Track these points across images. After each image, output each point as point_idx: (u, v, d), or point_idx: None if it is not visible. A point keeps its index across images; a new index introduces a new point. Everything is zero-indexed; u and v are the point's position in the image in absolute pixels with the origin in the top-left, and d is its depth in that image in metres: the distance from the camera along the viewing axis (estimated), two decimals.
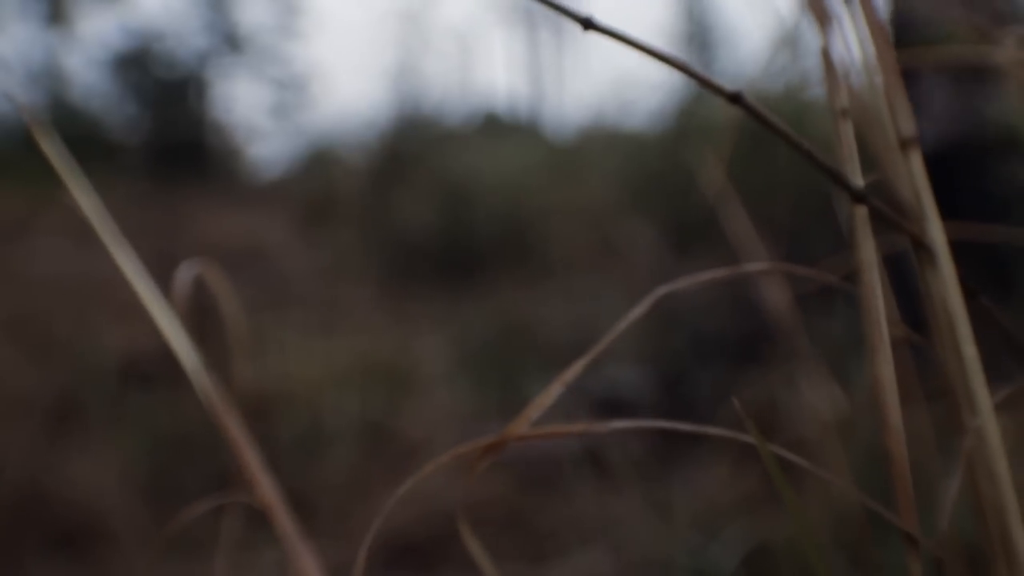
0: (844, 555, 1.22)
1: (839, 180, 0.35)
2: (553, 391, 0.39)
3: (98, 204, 0.49)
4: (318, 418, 2.63)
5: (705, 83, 0.35)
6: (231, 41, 9.62)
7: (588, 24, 0.34)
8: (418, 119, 6.83)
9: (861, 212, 0.35)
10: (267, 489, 0.40)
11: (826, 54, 0.35)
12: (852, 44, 0.36)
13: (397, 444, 2.57)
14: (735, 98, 0.35)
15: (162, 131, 8.98)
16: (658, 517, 1.80)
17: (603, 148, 6.53)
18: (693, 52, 8.84)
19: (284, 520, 0.38)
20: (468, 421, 2.84)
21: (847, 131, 0.35)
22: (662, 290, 0.38)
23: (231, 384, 0.46)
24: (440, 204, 5.46)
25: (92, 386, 2.86)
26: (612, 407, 2.77)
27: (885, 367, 0.36)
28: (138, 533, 1.84)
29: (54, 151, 0.50)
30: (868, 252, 0.35)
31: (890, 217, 0.35)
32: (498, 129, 8.35)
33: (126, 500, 1.99)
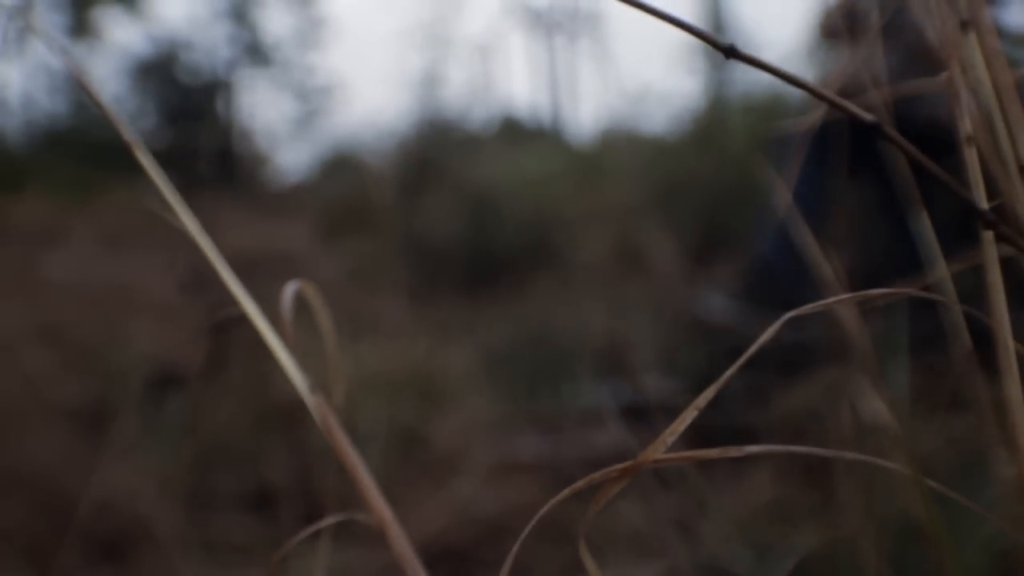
0: (891, 565, 1.22)
1: (969, 205, 0.35)
2: (687, 416, 0.39)
3: (197, 221, 0.49)
4: (350, 424, 2.63)
5: (842, 109, 0.35)
6: (254, 51, 9.67)
7: (731, 52, 0.34)
8: (440, 125, 6.84)
9: (988, 236, 0.35)
10: (382, 509, 0.40)
11: (950, 82, 0.35)
12: (970, 72, 0.36)
13: (429, 451, 2.57)
14: (875, 127, 0.35)
15: (186, 137, 9.04)
16: (697, 524, 1.80)
17: (623, 153, 6.53)
18: (711, 62, 8.85)
19: (400, 541, 0.38)
20: (500, 429, 2.84)
21: (972, 157, 0.35)
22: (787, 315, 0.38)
23: (330, 400, 0.46)
24: (464, 210, 5.47)
25: (126, 393, 2.87)
26: (642, 413, 2.77)
27: (1014, 389, 0.36)
28: (181, 539, 1.85)
29: (150, 165, 0.50)
30: (994, 275, 0.35)
31: (1013, 240, 0.35)
32: (520, 135, 8.37)
33: (167, 507, 2.00)
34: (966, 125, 0.35)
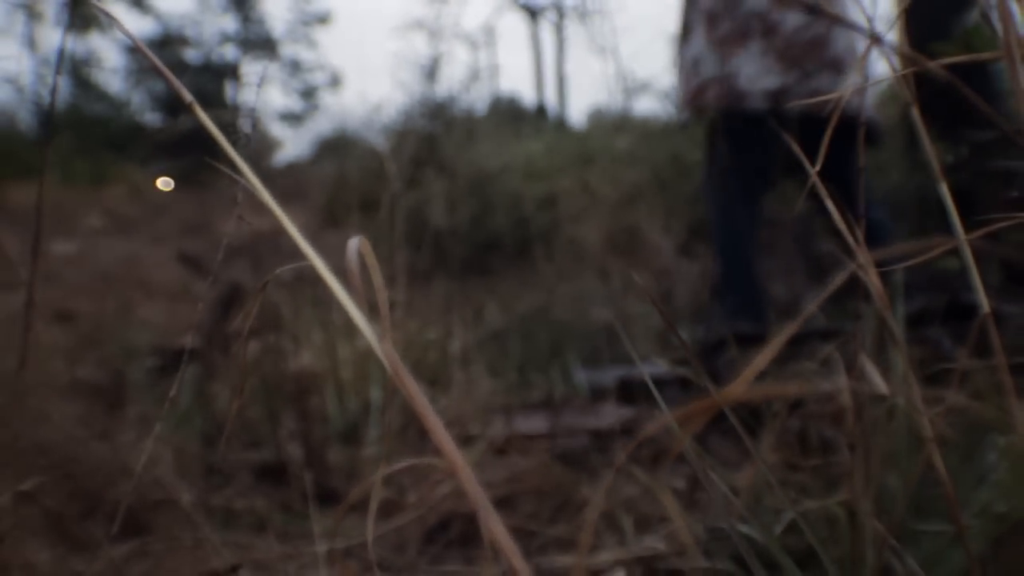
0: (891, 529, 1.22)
1: None
2: (768, 354, 0.39)
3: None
4: (362, 398, 2.65)
5: (923, 65, 0.35)
6: (256, 39, 9.65)
7: (813, 9, 0.34)
8: (440, 110, 6.83)
9: None
10: (453, 452, 0.40)
11: (1007, 40, 0.35)
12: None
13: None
14: (950, 84, 0.35)
15: (190, 124, 9.00)
16: (699, 493, 1.81)
17: (618, 138, 6.53)
18: None
19: (471, 481, 0.39)
20: (502, 404, 2.85)
21: None
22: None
23: (395, 360, 0.46)
24: (463, 193, 5.47)
25: (141, 369, 2.88)
26: (639, 386, 2.78)
27: None
28: (201, 509, 1.86)
29: (208, 121, 0.50)
30: None
31: None
32: (517, 119, 8.36)
33: (186, 478, 2.01)
34: (1021, 84, 0.36)
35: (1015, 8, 0.38)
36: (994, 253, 3.10)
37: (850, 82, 3.30)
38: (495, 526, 0.34)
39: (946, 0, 2.89)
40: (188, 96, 0.49)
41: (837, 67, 3.20)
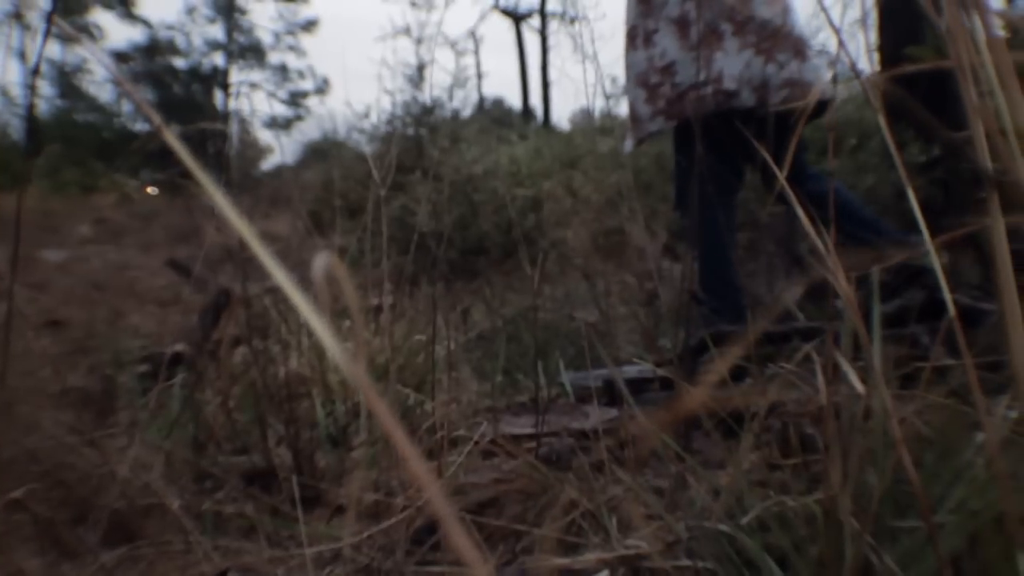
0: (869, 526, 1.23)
1: (980, 168, 0.36)
2: (735, 354, 0.39)
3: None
4: (351, 401, 2.65)
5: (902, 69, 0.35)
6: (243, 47, 9.65)
7: None
8: (426, 116, 6.82)
9: (993, 194, 0.36)
10: (418, 465, 0.40)
11: (959, 60, 0.36)
12: (975, 52, 0.37)
13: (421, 429, 2.57)
14: (939, 83, 0.35)
15: (179, 133, 8.99)
16: (683, 492, 1.81)
17: (602, 142, 6.53)
18: None
19: (436, 492, 0.39)
20: (488, 408, 2.85)
21: (978, 127, 0.36)
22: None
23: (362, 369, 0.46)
24: (449, 198, 5.46)
25: (131, 375, 2.87)
26: (622, 392, 2.78)
27: (1019, 342, 0.36)
28: (191, 515, 1.85)
29: (179, 147, 0.50)
30: (999, 232, 0.36)
31: (1016, 198, 0.36)
32: (503, 124, 8.35)
33: (175, 483, 2.00)
34: (972, 97, 0.36)
35: (964, 18, 0.38)
36: (972, 251, 3.11)
37: (817, 68, 3.32)
38: (459, 539, 0.34)
39: (920, 5, 2.90)
40: (157, 118, 0.49)
41: (800, 52, 3.23)
